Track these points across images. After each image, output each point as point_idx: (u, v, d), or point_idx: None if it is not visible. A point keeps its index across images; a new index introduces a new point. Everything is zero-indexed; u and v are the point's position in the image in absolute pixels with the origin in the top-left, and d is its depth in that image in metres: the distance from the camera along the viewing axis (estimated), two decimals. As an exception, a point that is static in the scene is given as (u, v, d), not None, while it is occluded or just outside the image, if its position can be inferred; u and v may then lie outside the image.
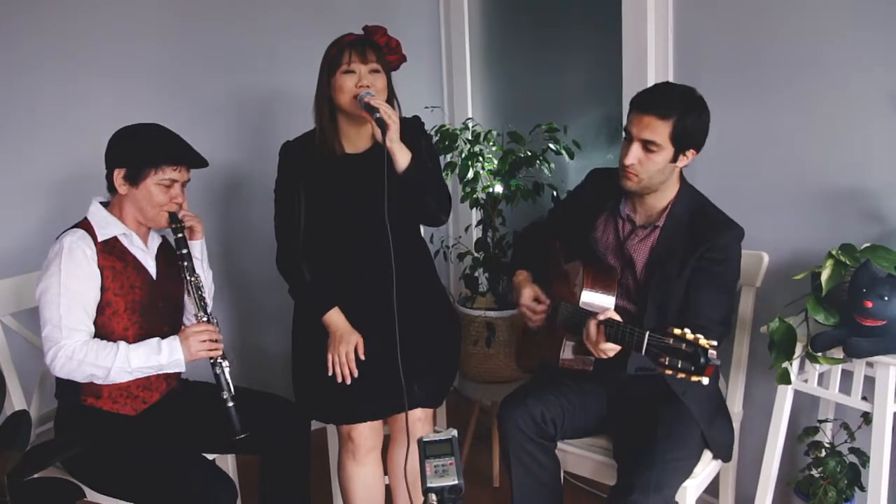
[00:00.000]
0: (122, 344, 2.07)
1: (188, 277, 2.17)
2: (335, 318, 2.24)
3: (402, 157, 2.12)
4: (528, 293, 2.24)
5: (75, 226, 2.13)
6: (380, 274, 2.16)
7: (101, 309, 2.09)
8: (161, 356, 2.07)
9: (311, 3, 3.29)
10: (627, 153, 2.02)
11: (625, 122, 2.08)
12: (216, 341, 2.13)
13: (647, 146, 2.00)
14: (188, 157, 2.17)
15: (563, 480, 2.29)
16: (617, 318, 1.86)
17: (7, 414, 2.07)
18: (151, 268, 2.21)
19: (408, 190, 2.15)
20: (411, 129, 2.27)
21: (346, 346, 2.20)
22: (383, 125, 2.07)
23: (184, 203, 2.19)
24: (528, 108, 3.32)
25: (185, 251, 2.17)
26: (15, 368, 2.27)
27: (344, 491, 2.39)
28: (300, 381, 2.37)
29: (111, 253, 2.12)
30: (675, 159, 2.03)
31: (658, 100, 2.00)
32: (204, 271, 2.33)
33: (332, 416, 2.35)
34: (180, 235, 2.17)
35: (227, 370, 2.14)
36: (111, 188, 2.15)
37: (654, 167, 2.02)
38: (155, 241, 2.26)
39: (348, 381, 2.20)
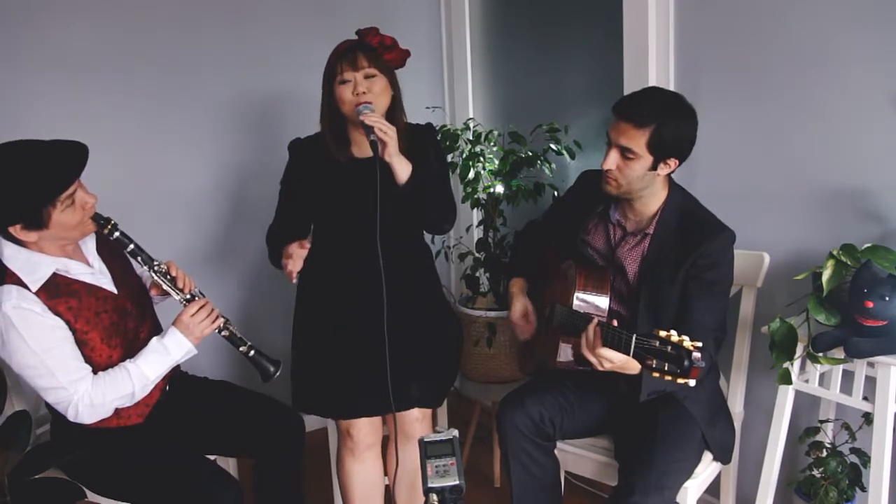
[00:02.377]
0: (128, 363, 2.00)
1: (150, 271, 2.03)
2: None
3: (401, 170, 2.13)
4: (517, 308, 2.28)
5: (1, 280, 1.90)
6: (378, 275, 2.17)
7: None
8: (171, 355, 2.03)
9: (312, 7, 3.29)
10: (606, 158, 2.02)
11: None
12: (212, 311, 2.07)
13: (625, 153, 1.98)
14: (73, 170, 1.89)
15: (565, 480, 2.29)
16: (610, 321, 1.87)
17: (7, 414, 2.07)
18: (106, 283, 2.06)
19: (408, 201, 2.16)
20: (422, 138, 2.30)
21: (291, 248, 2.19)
22: (375, 147, 2.08)
23: (93, 199, 1.95)
24: (529, 109, 3.32)
25: (131, 247, 2.02)
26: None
27: (343, 487, 2.40)
28: (299, 376, 2.38)
29: (59, 294, 1.92)
30: (654, 167, 2.01)
31: (636, 107, 1.98)
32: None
33: (329, 411, 2.36)
34: (117, 234, 2.00)
35: (233, 328, 2.11)
36: (11, 237, 1.91)
37: (633, 174, 2.00)
38: (90, 247, 2.10)
39: (294, 272, 2.18)
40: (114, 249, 2.12)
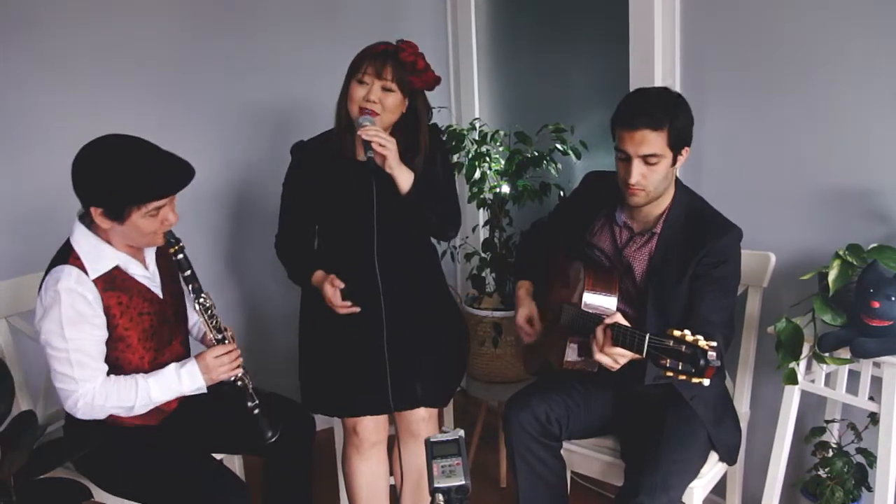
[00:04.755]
0: (140, 378, 2.00)
1: (197, 300, 2.04)
2: (317, 275, 2.30)
3: (403, 181, 2.15)
4: (523, 312, 2.29)
5: (63, 259, 1.95)
6: (383, 274, 2.18)
7: (112, 345, 2.00)
8: (182, 386, 2.03)
9: (318, 9, 3.28)
10: (630, 172, 1.99)
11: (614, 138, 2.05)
12: (236, 359, 2.07)
13: (648, 160, 1.98)
14: (173, 185, 1.94)
15: (571, 481, 2.29)
16: (623, 321, 1.86)
17: (14, 414, 2.08)
18: (157, 287, 2.10)
19: (410, 209, 2.18)
20: (430, 139, 2.30)
21: (329, 291, 2.23)
22: (371, 165, 2.10)
23: (175, 219, 1.99)
24: (534, 109, 3.32)
25: (188, 272, 2.04)
26: (22, 368, 2.28)
27: (348, 484, 2.41)
28: (306, 375, 2.39)
29: (114, 287, 1.98)
30: (674, 162, 2.02)
31: (649, 112, 1.96)
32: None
33: (334, 409, 2.37)
34: (181, 256, 2.02)
35: (247, 381, 2.11)
36: (88, 218, 1.96)
37: (659, 176, 2.00)
38: (151, 254, 2.13)
39: (354, 309, 2.23)
40: (168, 263, 2.13)
